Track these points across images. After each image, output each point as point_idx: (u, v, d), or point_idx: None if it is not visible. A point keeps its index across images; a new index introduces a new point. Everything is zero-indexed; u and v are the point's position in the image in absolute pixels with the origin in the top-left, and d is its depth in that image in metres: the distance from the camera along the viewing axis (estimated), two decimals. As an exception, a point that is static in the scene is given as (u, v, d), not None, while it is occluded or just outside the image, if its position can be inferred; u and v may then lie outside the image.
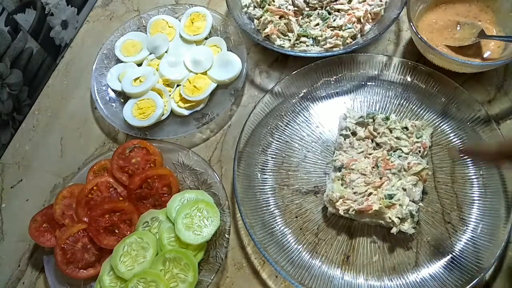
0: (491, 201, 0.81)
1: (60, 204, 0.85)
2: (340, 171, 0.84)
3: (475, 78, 0.95)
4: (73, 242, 0.81)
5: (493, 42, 0.93)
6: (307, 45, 0.99)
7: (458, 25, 0.95)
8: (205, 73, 1.01)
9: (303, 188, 0.88)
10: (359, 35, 0.99)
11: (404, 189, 0.80)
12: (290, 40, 0.99)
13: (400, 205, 0.78)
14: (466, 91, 0.89)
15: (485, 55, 0.92)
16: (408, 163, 0.82)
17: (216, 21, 1.07)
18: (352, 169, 0.83)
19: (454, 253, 0.78)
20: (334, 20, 0.99)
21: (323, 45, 0.98)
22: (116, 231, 0.83)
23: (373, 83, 0.96)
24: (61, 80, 1.11)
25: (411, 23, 0.89)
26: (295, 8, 1.02)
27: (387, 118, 0.87)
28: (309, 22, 1.02)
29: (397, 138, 0.86)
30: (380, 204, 0.78)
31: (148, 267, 0.78)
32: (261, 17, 1.02)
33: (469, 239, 0.79)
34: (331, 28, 0.99)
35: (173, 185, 0.87)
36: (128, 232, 0.83)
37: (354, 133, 0.89)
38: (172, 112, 0.99)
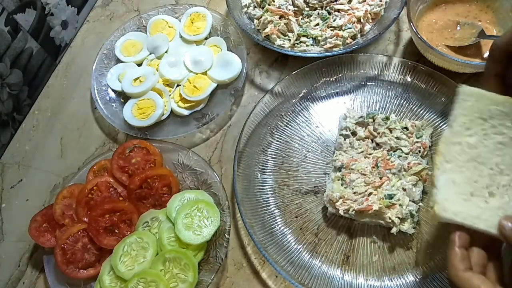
0: (491, 201, 0.81)
1: (60, 204, 0.85)
2: (340, 171, 0.84)
3: (475, 78, 0.95)
4: (73, 242, 0.81)
5: (493, 42, 0.93)
6: (307, 45, 0.99)
7: (458, 25, 0.95)
8: (205, 73, 1.01)
9: (303, 188, 0.88)
10: (359, 35, 0.99)
11: (404, 189, 0.80)
12: (290, 40, 0.99)
13: (400, 205, 0.78)
14: (466, 91, 0.89)
15: (485, 55, 0.92)
16: (408, 163, 0.82)
17: (216, 21, 1.07)
18: (352, 169, 0.83)
19: (454, 253, 0.78)
20: (334, 20, 0.99)
21: (323, 45, 0.98)
22: (116, 231, 0.83)
23: (373, 83, 0.96)
24: (61, 80, 1.11)
25: (411, 23, 0.89)
26: (295, 8, 1.02)
27: (387, 118, 0.87)
28: (309, 22, 1.02)
29: (397, 138, 0.86)
30: (380, 204, 0.78)
31: (148, 267, 0.78)
32: (261, 17, 1.02)
33: (469, 239, 0.79)
34: (331, 28, 0.99)
35: (173, 185, 0.87)
36: (128, 232, 0.83)
37: (354, 133, 0.89)
38: (172, 112, 0.99)
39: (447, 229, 0.60)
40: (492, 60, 0.61)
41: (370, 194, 0.81)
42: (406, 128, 0.87)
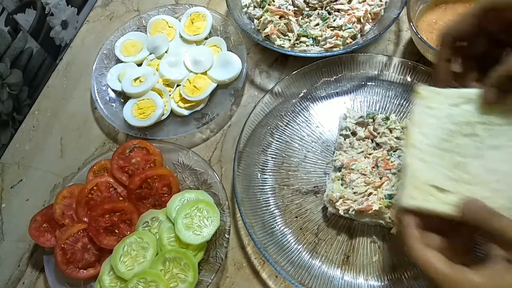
0: (491, 201, 0.81)
1: (60, 204, 0.85)
2: (340, 171, 0.84)
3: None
4: (73, 242, 0.81)
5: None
6: (307, 45, 0.99)
7: (458, 25, 0.95)
8: (205, 73, 1.01)
9: (303, 188, 0.88)
10: (359, 35, 0.99)
11: (404, 189, 0.80)
12: (290, 40, 0.99)
13: (400, 205, 0.78)
14: (466, 91, 0.89)
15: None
16: (408, 163, 0.82)
17: (216, 21, 1.07)
18: (352, 169, 0.83)
19: (454, 253, 0.78)
20: (334, 20, 0.99)
21: (323, 45, 0.98)
22: (116, 231, 0.83)
23: (373, 83, 0.96)
24: (61, 80, 1.11)
25: (411, 23, 0.89)
26: (295, 8, 1.02)
27: (387, 118, 0.87)
28: (309, 22, 1.02)
29: (397, 138, 0.86)
30: (380, 204, 0.78)
31: (148, 267, 0.78)
32: (261, 17, 1.02)
33: (469, 239, 0.79)
34: (331, 28, 0.99)
35: (173, 185, 0.87)
36: (128, 232, 0.83)
37: (354, 133, 0.89)
38: (172, 112, 0.99)
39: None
40: (444, 47, 0.65)
41: (370, 194, 0.80)
42: (406, 128, 0.86)
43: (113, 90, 1.02)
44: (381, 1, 1.01)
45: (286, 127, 0.94)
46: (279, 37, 1.00)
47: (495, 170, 0.59)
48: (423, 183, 0.60)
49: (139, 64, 1.05)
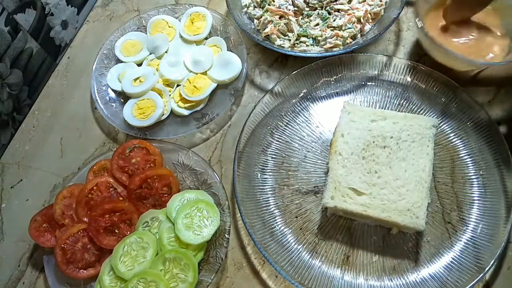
0: (491, 201, 0.81)
1: (60, 204, 0.85)
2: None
3: (475, 78, 0.95)
4: (73, 242, 0.81)
5: (497, 45, 0.92)
6: (307, 45, 0.99)
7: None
8: (205, 73, 1.01)
9: (303, 188, 0.88)
10: (359, 35, 0.99)
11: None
12: (290, 40, 0.99)
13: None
14: (466, 91, 0.89)
15: (488, 58, 0.92)
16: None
17: (216, 21, 1.07)
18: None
19: (454, 253, 0.78)
20: (334, 20, 0.99)
21: (323, 45, 0.98)
22: (116, 231, 0.83)
23: (373, 83, 0.96)
24: (61, 80, 1.11)
25: (418, 19, 0.88)
26: (295, 8, 1.02)
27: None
28: (309, 22, 1.02)
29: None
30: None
31: (148, 267, 0.78)
32: (261, 17, 1.02)
33: (469, 239, 0.79)
34: (331, 28, 0.99)
35: (173, 185, 0.87)
36: (128, 232, 0.83)
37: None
38: (172, 112, 0.99)
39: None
40: None
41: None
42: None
43: (113, 90, 1.02)
44: (381, 1, 1.01)
45: (286, 127, 0.94)
46: (279, 37, 1.00)
47: (400, 177, 0.77)
48: (343, 186, 0.77)
49: (139, 64, 1.05)
